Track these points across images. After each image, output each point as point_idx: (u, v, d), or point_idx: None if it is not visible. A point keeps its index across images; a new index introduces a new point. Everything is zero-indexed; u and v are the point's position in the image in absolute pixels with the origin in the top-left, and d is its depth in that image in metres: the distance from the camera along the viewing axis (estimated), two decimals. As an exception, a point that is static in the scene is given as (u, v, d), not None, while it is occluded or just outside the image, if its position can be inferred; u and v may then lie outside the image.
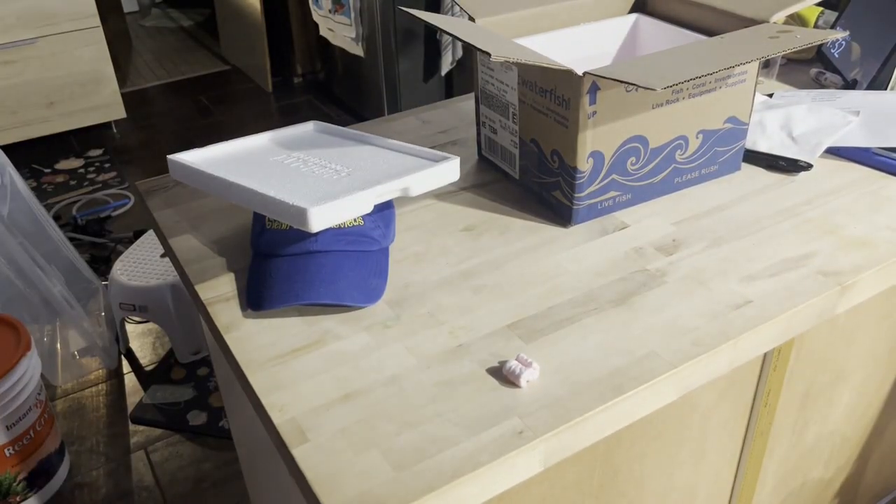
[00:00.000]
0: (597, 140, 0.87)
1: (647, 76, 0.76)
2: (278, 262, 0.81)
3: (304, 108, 3.58)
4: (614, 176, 0.91)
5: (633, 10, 1.11)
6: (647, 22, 1.08)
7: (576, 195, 0.90)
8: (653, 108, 0.88)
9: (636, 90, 0.85)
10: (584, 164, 0.88)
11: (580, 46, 1.06)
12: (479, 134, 1.05)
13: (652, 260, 0.85)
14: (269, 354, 0.74)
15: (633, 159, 0.91)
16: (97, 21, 3.15)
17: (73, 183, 3.05)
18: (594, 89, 0.83)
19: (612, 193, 0.92)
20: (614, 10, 1.10)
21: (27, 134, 3.20)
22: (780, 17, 0.93)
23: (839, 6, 1.32)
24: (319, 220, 0.75)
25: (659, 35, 1.07)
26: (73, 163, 3.21)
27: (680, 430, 0.87)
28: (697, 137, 0.94)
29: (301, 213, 0.74)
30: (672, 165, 0.94)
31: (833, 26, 1.28)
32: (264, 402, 0.68)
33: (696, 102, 0.91)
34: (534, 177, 0.96)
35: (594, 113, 0.85)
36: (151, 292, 2.01)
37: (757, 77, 0.93)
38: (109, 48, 3.16)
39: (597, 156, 0.88)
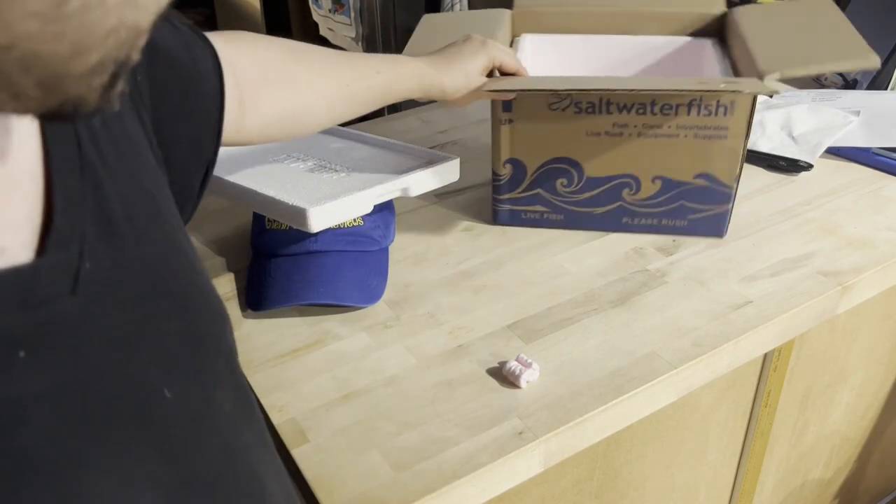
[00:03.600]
0: (515, 149, 0.86)
1: (532, 85, 0.78)
2: (278, 262, 0.81)
3: (304, 108, 3.58)
4: (540, 191, 0.88)
5: (703, 34, 0.98)
6: (707, 47, 0.96)
7: (495, 196, 0.90)
8: (587, 134, 0.84)
9: (561, 108, 0.83)
10: (501, 169, 0.88)
11: (622, 56, 1.00)
12: None
13: (652, 260, 0.85)
14: (269, 354, 0.74)
15: (563, 181, 0.87)
16: (97, 21, 3.15)
17: (72, 183, 3.05)
18: None
19: (540, 208, 0.89)
20: (675, 28, 0.99)
21: (27, 134, 3.19)
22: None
23: (839, 6, 1.31)
24: (319, 220, 0.75)
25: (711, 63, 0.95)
26: (73, 163, 3.21)
27: (680, 431, 0.87)
28: (654, 182, 0.86)
29: (300, 214, 0.74)
30: (618, 203, 0.88)
31: (833, 26, 1.28)
32: (264, 402, 0.68)
33: (650, 144, 0.84)
34: None
35: (510, 121, 0.84)
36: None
37: (747, 137, 0.82)
38: (109, 48, 3.16)
39: (516, 164, 0.87)
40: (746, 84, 0.75)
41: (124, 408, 0.33)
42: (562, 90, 0.79)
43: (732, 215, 0.91)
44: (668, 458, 0.88)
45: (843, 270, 0.83)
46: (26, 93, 0.25)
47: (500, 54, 0.80)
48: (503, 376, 0.70)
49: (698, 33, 0.98)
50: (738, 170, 0.84)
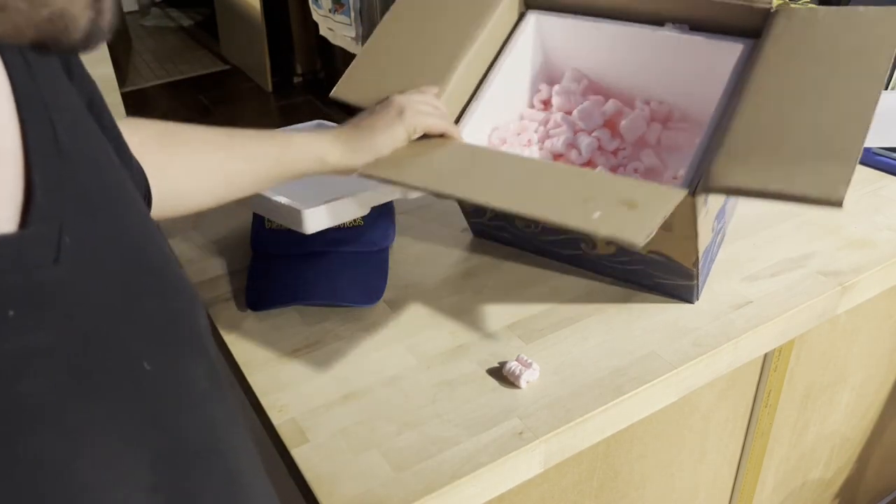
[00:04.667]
0: None
1: (407, 180, 0.67)
2: (278, 262, 0.81)
3: (304, 108, 3.58)
4: (504, 223, 0.85)
5: (740, 31, 0.79)
6: (548, 22, 0.86)
7: (466, 217, 0.89)
8: None
9: None
10: None
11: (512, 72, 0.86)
12: None
13: (652, 260, 0.85)
14: (269, 354, 0.74)
15: (521, 220, 0.83)
16: (97, 21, 3.14)
17: (72, 183, 3.05)
18: None
19: (507, 235, 0.87)
20: (709, 14, 0.80)
21: (27, 134, 3.19)
22: None
23: (839, 6, 1.32)
24: (313, 222, 0.75)
25: (572, 35, 0.85)
26: (73, 163, 3.21)
27: (680, 431, 0.87)
28: (608, 245, 0.79)
29: (295, 215, 0.74)
30: (579, 251, 0.82)
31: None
32: (264, 402, 0.68)
33: None
34: None
35: None
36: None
37: (697, 238, 0.71)
38: (109, 48, 3.16)
39: None
40: (630, 230, 0.59)
41: (110, 374, 0.35)
42: (434, 191, 0.68)
43: (733, 216, 0.91)
44: (668, 458, 0.88)
45: (843, 270, 0.83)
46: (14, 4, 0.27)
47: (421, 121, 0.71)
48: (503, 376, 0.70)
49: (733, 29, 0.78)
50: (695, 256, 0.74)
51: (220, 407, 0.44)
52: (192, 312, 0.44)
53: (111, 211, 0.39)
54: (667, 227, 0.69)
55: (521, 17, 0.87)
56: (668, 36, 0.82)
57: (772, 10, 0.76)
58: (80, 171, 0.37)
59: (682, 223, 0.70)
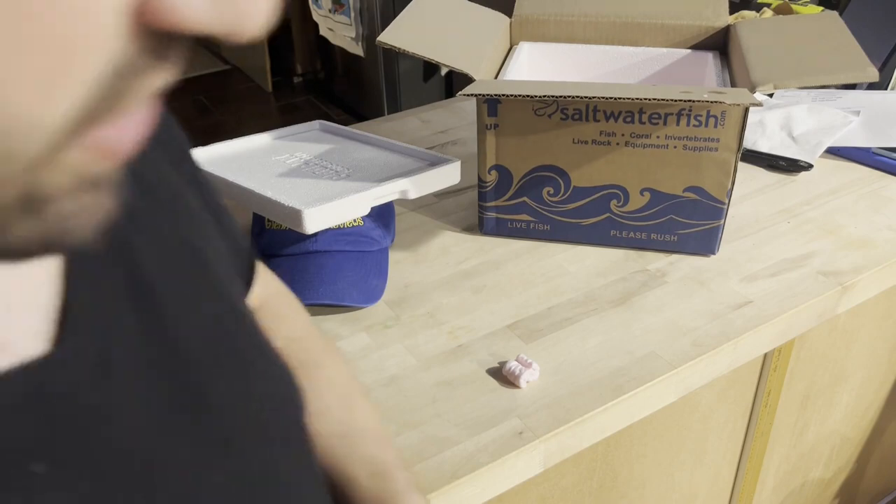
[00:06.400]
0: (501, 155, 0.85)
1: (514, 89, 0.74)
2: (278, 262, 0.81)
3: (304, 108, 3.58)
4: (526, 199, 0.87)
5: (705, 47, 0.96)
6: (709, 60, 0.94)
7: (481, 203, 0.89)
8: (574, 142, 0.82)
9: (547, 115, 0.81)
10: (487, 176, 0.87)
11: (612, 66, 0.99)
12: None
13: (652, 260, 0.85)
14: (269, 355, 0.74)
15: (549, 189, 0.85)
16: (97, 21, 3.13)
17: (73, 183, 3.04)
18: (493, 101, 0.81)
19: (526, 217, 0.88)
20: (677, 40, 0.98)
21: (27, 134, 3.18)
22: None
23: (839, 6, 1.32)
24: (314, 222, 0.74)
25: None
26: (73, 163, 3.20)
27: (680, 431, 0.87)
28: (642, 195, 0.84)
29: (296, 215, 0.74)
30: (606, 214, 0.86)
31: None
32: (264, 402, 0.68)
33: (638, 154, 0.81)
34: None
35: (495, 125, 0.83)
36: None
37: (739, 150, 0.79)
38: (109, 48, 3.16)
39: (502, 171, 0.86)
40: (730, 95, 0.72)
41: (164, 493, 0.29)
42: (541, 95, 0.75)
43: (733, 215, 0.91)
44: (668, 458, 0.88)
45: (843, 270, 0.83)
46: None
47: None
48: (503, 376, 0.70)
49: (700, 46, 0.96)
50: (729, 184, 0.81)
51: (312, 490, 0.39)
52: (286, 394, 0.37)
53: (179, 286, 0.33)
54: (713, 142, 0.79)
55: (512, 48, 1.00)
56: (646, 50, 0.97)
57: (731, 25, 0.94)
58: (134, 243, 0.31)
59: (730, 127, 0.78)
